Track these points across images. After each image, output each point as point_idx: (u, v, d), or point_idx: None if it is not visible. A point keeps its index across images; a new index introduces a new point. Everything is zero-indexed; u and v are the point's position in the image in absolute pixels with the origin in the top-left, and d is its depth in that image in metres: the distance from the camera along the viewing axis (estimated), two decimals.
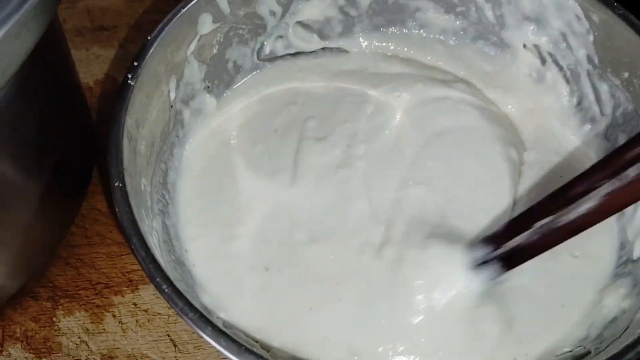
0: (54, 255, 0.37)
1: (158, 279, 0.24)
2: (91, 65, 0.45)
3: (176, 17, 0.33)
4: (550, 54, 0.38)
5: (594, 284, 0.32)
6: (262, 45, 0.40)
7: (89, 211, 0.38)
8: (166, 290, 0.24)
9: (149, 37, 0.32)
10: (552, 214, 0.26)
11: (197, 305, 0.25)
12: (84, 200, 0.38)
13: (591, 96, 0.36)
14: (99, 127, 0.41)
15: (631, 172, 0.23)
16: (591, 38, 0.35)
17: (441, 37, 0.41)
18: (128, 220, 0.26)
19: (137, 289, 0.36)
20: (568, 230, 0.26)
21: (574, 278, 0.32)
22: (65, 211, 0.37)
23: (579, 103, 0.37)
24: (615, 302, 0.30)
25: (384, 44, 0.42)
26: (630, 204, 0.25)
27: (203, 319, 0.24)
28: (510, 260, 0.29)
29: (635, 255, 0.32)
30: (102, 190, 0.39)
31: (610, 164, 0.24)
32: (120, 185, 0.27)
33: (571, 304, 0.31)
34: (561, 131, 0.38)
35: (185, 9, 0.34)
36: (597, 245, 0.33)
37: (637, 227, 0.33)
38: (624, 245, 0.33)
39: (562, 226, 0.26)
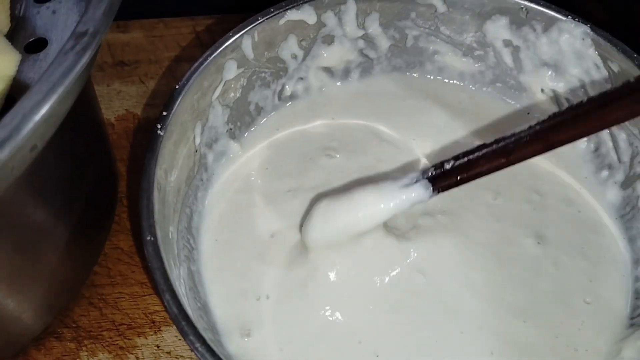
0: (77, 295, 0.37)
1: (191, 337, 0.25)
2: (112, 102, 0.45)
3: (203, 66, 0.34)
4: (568, 100, 0.39)
5: (608, 331, 0.32)
6: (283, 87, 0.40)
7: (112, 250, 0.39)
8: (199, 348, 0.25)
9: (176, 86, 0.33)
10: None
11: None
12: (107, 239, 0.39)
13: (609, 143, 0.37)
14: (121, 165, 0.42)
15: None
16: (609, 86, 0.36)
17: (459, 82, 0.42)
18: (160, 275, 0.26)
19: (160, 330, 0.36)
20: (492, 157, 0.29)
21: (584, 324, 0.32)
22: (90, 251, 0.37)
23: (597, 149, 0.38)
24: (635, 354, 0.31)
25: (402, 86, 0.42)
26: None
27: None
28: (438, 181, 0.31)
29: None
30: (124, 229, 0.40)
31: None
32: (152, 239, 0.27)
33: (584, 349, 0.31)
34: (575, 177, 0.38)
35: (212, 57, 0.34)
36: (610, 292, 0.33)
37: None
38: (639, 294, 0.34)
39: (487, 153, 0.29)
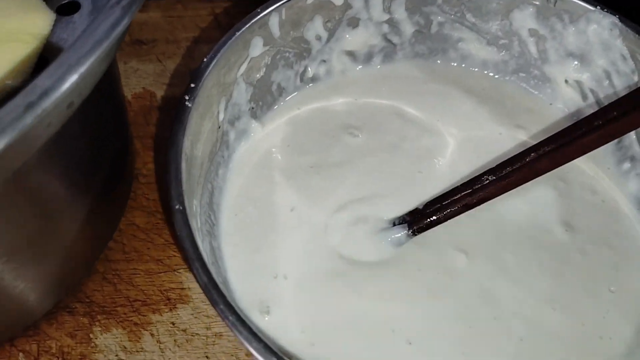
0: (91, 270, 0.36)
1: (222, 306, 0.24)
2: (129, 79, 0.45)
3: (231, 40, 0.33)
4: (592, 91, 0.39)
5: (632, 319, 0.32)
6: (306, 68, 0.40)
7: (127, 226, 0.38)
8: (230, 317, 0.24)
9: (204, 59, 0.32)
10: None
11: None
12: (123, 215, 0.38)
13: (632, 135, 0.37)
14: (137, 142, 0.41)
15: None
16: (636, 78, 0.36)
17: (483, 70, 0.41)
18: (189, 243, 0.26)
19: (175, 307, 0.35)
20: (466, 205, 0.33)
21: (609, 312, 0.32)
22: (105, 226, 0.37)
23: (619, 141, 0.38)
24: None
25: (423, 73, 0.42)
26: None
27: (268, 349, 0.24)
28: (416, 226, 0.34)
29: None
30: (139, 205, 0.39)
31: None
32: (181, 208, 0.27)
33: (609, 337, 0.31)
34: (598, 167, 0.38)
35: (240, 32, 0.34)
36: (635, 281, 0.33)
37: None
38: None
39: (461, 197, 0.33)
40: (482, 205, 0.33)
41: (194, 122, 0.31)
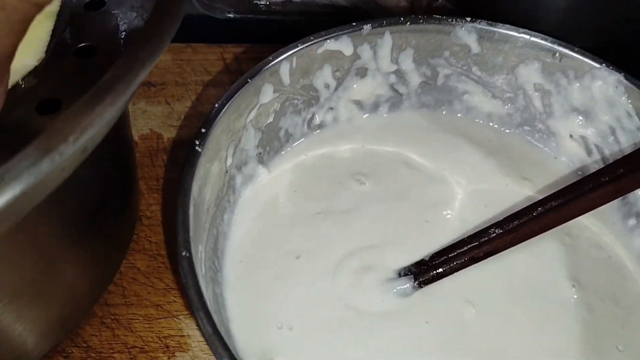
0: (90, 314, 0.35)
1: (225, 359, 0.24)
2: (137, 120, 0.45)
3: (243, 87, 0.34)
4: (597, 146, 0.39)
5: None
6: (313, 115, 0.40)
7: (128, 269, 0.38)
8: None
9: (216, 104, 0.33)
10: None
11: None
12: (124, 258, 0.38)
13: (637, 192, 0.37)
14: (142, 184, 0.41)
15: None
16: None
17: (487, 122, 0.42)
18: (195, 293, 0.25)
19: (174, 355, 0.34)
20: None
21: None
22: (106, 269, 0.36)
23: (625, 197, 0.38)
24: None
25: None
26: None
27: None
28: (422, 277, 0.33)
29: None
30: (141, 248, 0.38)
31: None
32: (188, 255, 0.27)
33: None
34: (603, 223, 0.38)
35: (252, 79, 0.34)
36: None
37: None
38: None
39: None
40: (490, 258, 0.33)
41: (202, 167, 0.31)
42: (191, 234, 0.27)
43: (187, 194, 0.29)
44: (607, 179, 0.31)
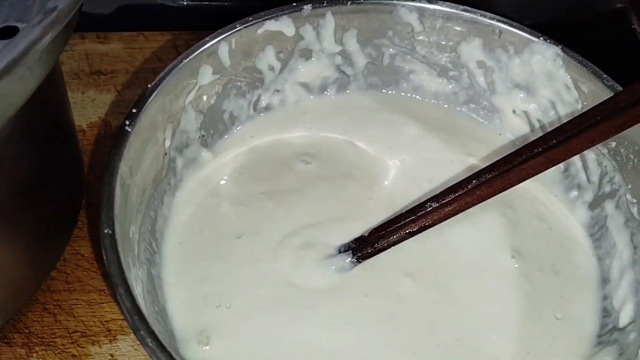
0: (32, 300, 0.35)
1: (142, 332, 0.24)
2: (86, 109, 0.45)
3: (177, 67, 0.34)
4: (539, 120, 0.39)
5: (577, 348, 0.32)
6: (259, 98, 0.40)
7: (72, 256, 0.37)
8: (150, 344, 0.23)
9: (149, 85, 0.33)
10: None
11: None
12: (68, 244, 0.38)
13: (578, 164, 0.37)
14: (89, 171, 0.41)
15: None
16: (579, 107, 0.37)
17: (433, 100, 0.42)
18: (115, 268, 0.25)
19: (115, 339, 0.34)
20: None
21: (555, 339, 0.32)
22: (48, 255, 0.36)
23: (566, 169, 0.38)
24: None
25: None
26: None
27: None
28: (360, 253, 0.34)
29: (621, 324, 0.32)
30: (86, 235, 0.38)
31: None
32: (110, 232, 0.26)
33: None
34: (545, 195, 0.38)
35: (187, 59, 0.34)
36: (581, 309, 0.33)
37: (623, 294, 0.33)
38: (608, 312, 0.33)
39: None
40: (430, 231, 0.33)
41: (134, 148, 0.31)
42: (116, 212, 0.27)
43: (113, 173, 0.28)
44: (540, 149, 0.32)
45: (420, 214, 0.33)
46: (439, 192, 0.33)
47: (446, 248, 0.34)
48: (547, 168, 0.31)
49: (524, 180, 0.32)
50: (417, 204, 0.34)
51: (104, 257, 0.26)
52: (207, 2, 0.52)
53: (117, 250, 0.26)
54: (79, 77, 0.46)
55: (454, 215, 0.32)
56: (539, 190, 0.37)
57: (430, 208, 0.33)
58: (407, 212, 0.33)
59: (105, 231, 0.26)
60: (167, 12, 0.52)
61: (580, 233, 0.36)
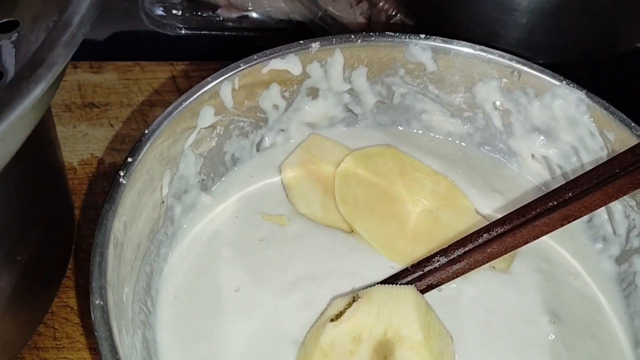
0: (17, 359, 0.33)
1: None
2: (77, 145, 0.42)
3: (177, 111, 0.31)
4: (560, 167, 0.37)
5: None
6: (262, 138, 0.38)
7: (60, 309, 0.35)
8: None
9: (145, 131, 0.30)
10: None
11: None
12: (56, 296, 0.35)
13: (604, 215, 0.35)
14: (80, 213, 0.38)
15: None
16: (605, 154, 0.34)
17: (449, 138, 0.40)
18: (107, 347, 0.23)
19: None
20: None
21: None
22: (34, 308, 0.33)
23: (590, 220, 0.36)
24: None
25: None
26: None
27: None
28: None
29: None
30: (75, 285, 0.36)
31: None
32: (102, 303, 0.24)
33: None
34: (571, 247, 0.36)
35: (188, 102, 0.32)
36: None
37: None
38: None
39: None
40: (468, 301, 0.31)
41: (129, 201, 0.28)
42: (109, 277, 0.25)
43: (106, 234, 0.26)
44: (555, 203, 0.30)
45: (428, 270, 0.30)
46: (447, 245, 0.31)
47: (482, 306, 0.32)
48: (562, 225, 0.30)
49: (537, 238, 0.30)
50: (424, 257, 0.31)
51: (95, 333, 0.23)
52: (206, 32, 0.50)
53: (110, 326, 0.23)
54: (71, 110, 0.44)
55: (462, 274, 0.30)
56: (568, 242, 0.35)
57: (438, 263, 0.30)
58: (413, 266, 0.31)
59: (97, 302, 0.24)
60: (164, 41, 0.50)
61: (612, 291, 0.34)
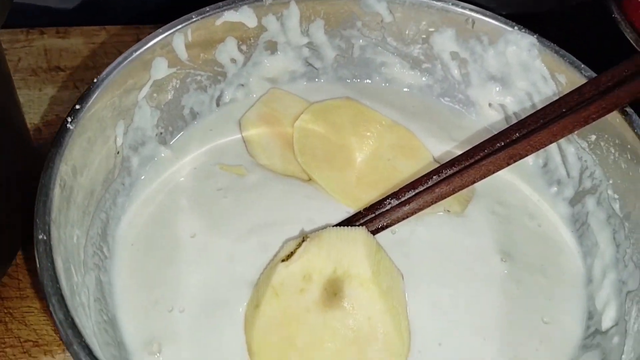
0: None
1: (75, 346, 0.22)
2: (42, 107, 0.43)
3: (127, 60, 0.32)
4: (516, 114, 0.37)
5: (563, 352, 0.30)
6: (222, 92, 0.38)
7: (24, 261, 0.35)
8: (83, 359, 0.21)
9: (95, 80, 0.31)
10: None
11: None
12: (20, 249, 0.35)
13: (557, 158, 0.35)
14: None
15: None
16: (557, 98, 0.35)
17: (406, 89, 0.40)
18: (48, 277, 0.23)
19: None
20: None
21: (542, 343, 0.30)
22: None
23: (545, 165, 0.36)
24: None
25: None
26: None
27: None
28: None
29: (604, 327, 0.31)
30: None
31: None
32: (45, 238, 0.24)
33: None
34: (530, 190, 0.36)
35: (138, 52, 0.32)
36: (567, 311, 0.32)
37: (606, 296, 0.31)
38: (592, 315, 0.32)
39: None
40: (418, 228, 0.31)
41: (77, 147, 0.29)
42: (53, 216, 0.25)
43: (52, 175, 0.26)
44: (502, 144, 0.30)
45: (379, 212, 0.31)
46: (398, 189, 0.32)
47: (434, 247, 0.32)
48: (508, 164, 0.30)
49: (484, 177, 0.30)
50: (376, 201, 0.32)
51: (37, 265, 0.24)
52: None
53: (52, 258, 0.24)
54: (37, 74, 0.44)
55: (413, 214, 0.31)
56: (524, 185, 0.35)
57: (390, 205, 0.31)
58: (366, 209, 0.32)
59: (40, 237, 0.24)
60: (131, 6, 0.50)
61: (566, 231, 0.34)
